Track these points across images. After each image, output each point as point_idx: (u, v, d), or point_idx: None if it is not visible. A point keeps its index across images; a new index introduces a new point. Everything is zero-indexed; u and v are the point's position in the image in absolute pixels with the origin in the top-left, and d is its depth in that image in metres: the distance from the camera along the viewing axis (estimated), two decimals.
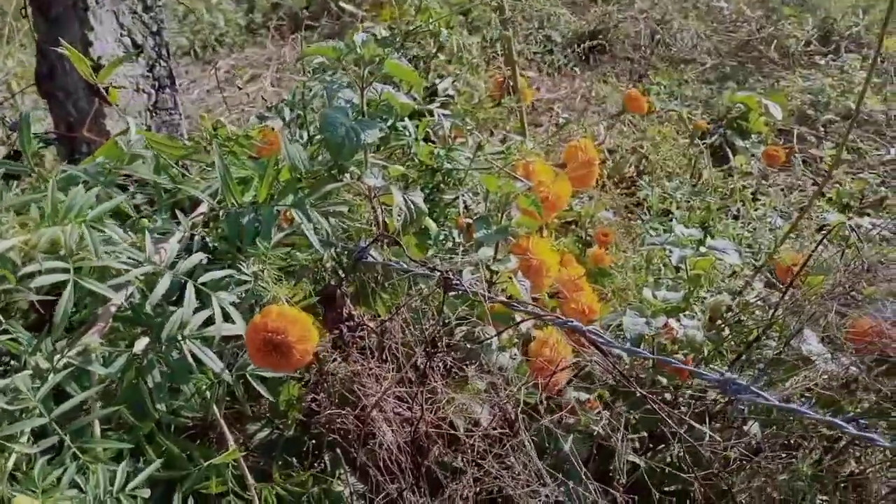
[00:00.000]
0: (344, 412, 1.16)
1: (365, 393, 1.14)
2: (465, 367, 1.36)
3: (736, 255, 1.65)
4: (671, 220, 2.28)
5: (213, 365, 0.97)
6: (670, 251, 1.66)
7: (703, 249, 1.67)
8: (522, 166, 1.75)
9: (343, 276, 1.21)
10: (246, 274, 1.06)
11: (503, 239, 1.39)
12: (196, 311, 0.98)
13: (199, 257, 1.01)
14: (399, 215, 1.21)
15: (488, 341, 1.41)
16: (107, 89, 1.40)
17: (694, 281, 1.77)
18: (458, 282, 1.11)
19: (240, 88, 4.10)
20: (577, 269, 1.99)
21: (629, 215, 2.40)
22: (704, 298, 1.73)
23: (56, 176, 1.00)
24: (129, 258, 0.95)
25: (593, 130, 4.05)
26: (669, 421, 1.06)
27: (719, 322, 1.55)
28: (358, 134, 1.16)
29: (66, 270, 0.84)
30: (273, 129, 1.69)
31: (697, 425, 1.10)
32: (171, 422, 1.06)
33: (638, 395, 1.05)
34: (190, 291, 0.96)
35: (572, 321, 1.03)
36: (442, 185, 1.71)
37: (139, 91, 1.58)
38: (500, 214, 1.42)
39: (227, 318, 0.97)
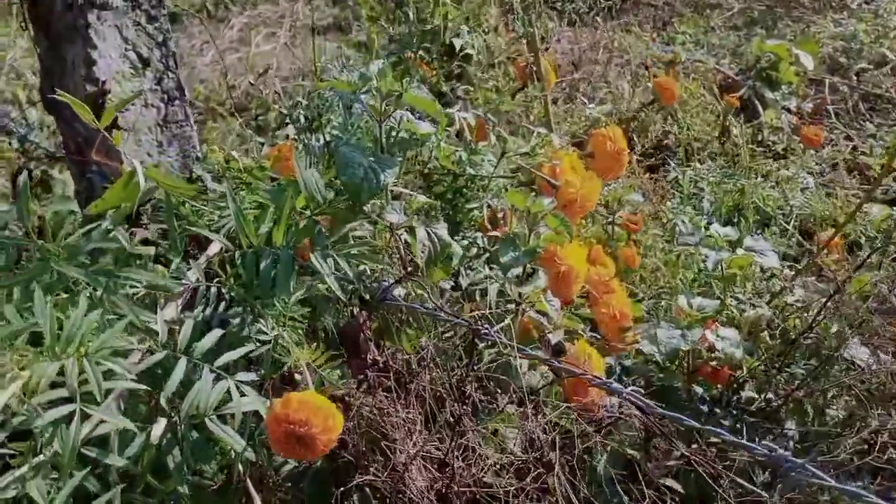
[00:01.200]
0: (372, 460, 1.11)
1: (393, 443, 1.09)
2: (495, 395, 1.31)
3: (774, 256, 1.55)
4: (701, 201, 2.17)
5: (235, 444, 0.91)
6: (705, 256, 1.56)
7: (739, 252, 1.57)
8: (549, 168, 1.65)
9: (366, 317, 1.14)
10: (265, 332, 0.99)
11: (531, 261, 1.31)
12: (216, 378, 0.92)
13: (214, 338, 0.95)
14: (423, 251, 1.13)
15: (517, 363, 1.34)
16: (114, 123, 1.32)
17: (729, 280, 1.68)
18: (486, 331, 1.04)
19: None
20: (607, 263, 1.90)
21: (659, 194, 2.29)
22: (741, 300, 1.64)
23: (60, 255, 0.93)
24: (141, 338, 0.89)
25: (618, 87, 3.89)
26: (713, 484, 0.99)
27: (759, 335, 1.47)
28: (378, 174, 1.07)
29: (70, 400, 0.78)
30: (288, 139, 1.60)
31: (744, 483, 1.03)
32: (196, 483, 1.01)
33: (679, 454, 0.98)
34: (206, 376, 0.90)
35: (611, 382, 0.96)
36: (464, 189, 1.61)
37: (148, 106, 1.49)
38: (527, 233, 1.34)
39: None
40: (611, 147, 1.78)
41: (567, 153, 1.79)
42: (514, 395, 1.34)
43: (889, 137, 3.75)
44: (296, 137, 1.56)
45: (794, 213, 2.65)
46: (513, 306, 1.47)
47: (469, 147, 1.57)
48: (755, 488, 1.00)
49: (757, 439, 1.39)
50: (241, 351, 0.94)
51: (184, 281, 1.10)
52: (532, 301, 1.36)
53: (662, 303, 2.12)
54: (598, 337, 1.70)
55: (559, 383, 1.48)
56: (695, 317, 1.48)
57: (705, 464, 0.98)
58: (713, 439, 0.96)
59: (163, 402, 0.87)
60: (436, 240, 1.15)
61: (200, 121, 4.17)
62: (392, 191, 1.19)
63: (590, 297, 1.74)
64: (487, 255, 1.54)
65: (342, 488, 1.17)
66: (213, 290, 1.10)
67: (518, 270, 1.30)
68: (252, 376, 0.94)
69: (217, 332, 0.96)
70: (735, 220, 2.15)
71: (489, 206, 1.59)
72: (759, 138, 4.01)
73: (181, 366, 0.89)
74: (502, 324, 1.08)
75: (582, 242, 1.93)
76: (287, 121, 1.58)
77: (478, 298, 1.46)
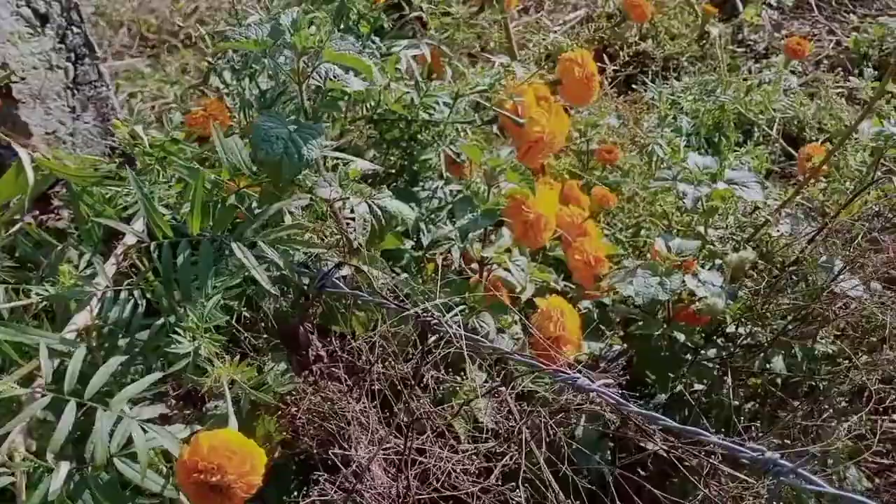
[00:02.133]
0: (327, 456, 1.00)
1: (347, 440, 0.97)
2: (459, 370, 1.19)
3: (758, 188, 1.40)
4: (679, 122, 2.00)
5: (151, 485, 0.79)
6: (683, 193, 1.41)
7: (720, 186, 1.42)
8: (512, 105, 1.48)
9: (305, 307, 1.00)
10: (180, 341, 0.85)
11: (492, 224, 1.17)
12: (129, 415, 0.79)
13: (104, 377, 0.80)
14: (364, 229, 0.98)
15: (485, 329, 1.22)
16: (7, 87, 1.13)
17: (710, 213, 1.53)
18: (437, 322, 0.90)
19: None
20: (582, 200, 1.75)
21: (635, 115, 2.12)
22: (722, 237, 1.51)
23: None
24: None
25: None
26: (693, 481, 0.89)
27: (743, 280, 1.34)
28: (300, 147, 0.90)
29: None
30: (217, 91, 1.42)
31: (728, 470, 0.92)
32: None
33: (654, 450, 0.87)
34: (102, 420, 0.76)
35: (577, 377, 0.83)
36: (419, 135, 1.44)
37: (53, 68, 1.29)
38: (486, 190, 1.18)
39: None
40: (580, 73, 1.60)
41: (532, 84, 1.61)
42: (483, 364, 1.23)
43: (873, 29, 3.53)
44: (226, 88, 1.38)
45: (777, 117, 2.48)
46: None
47: (420, 88, 1.39)
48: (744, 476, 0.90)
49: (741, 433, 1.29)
50: (142, 384, 0.80)
51: (97, 282, 0.95)
52: (497, 262, 1.23)
53: (642, 232, 1.99)
54: (572, 286, 1.57)
55: (531, 345, 1.37)
56: (673, 261, 1.35)
57: (684, 456, 0.87)
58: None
59: (49, 459, 0.74)
60: (379, 212, 1.00)
61: (154, 55, 3.90)
62: (326, 158, 1.03)
63: (563, 239, 1.60)
64: (450, 206, 1.39)
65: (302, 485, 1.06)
66: (123, 296, 0.96)
67: (478, 233, 1.16)
68: (160, 410, 0.81)
69: (112, 364, 0.81)
70: (716, 138, 1.99)
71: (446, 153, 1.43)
72: (740, 37, 3.77)
73: (69, 412, 0.75)
74: (455, 312, 0.94)
75: (552, 182, 1.77)
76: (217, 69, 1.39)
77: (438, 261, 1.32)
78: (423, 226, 1.42)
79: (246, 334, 1.05)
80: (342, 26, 1.31)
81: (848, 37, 3.57)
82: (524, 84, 1.56)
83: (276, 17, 0.93)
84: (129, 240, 1.01)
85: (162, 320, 0.94)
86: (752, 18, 3.71)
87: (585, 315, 1.53)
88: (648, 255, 1.89)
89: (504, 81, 1.54)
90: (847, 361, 1.41)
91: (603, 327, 1.56)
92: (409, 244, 1.40)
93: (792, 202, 1.46)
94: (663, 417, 0.75)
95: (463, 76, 1.56)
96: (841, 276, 1.30)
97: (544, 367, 0.85)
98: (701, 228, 1.55)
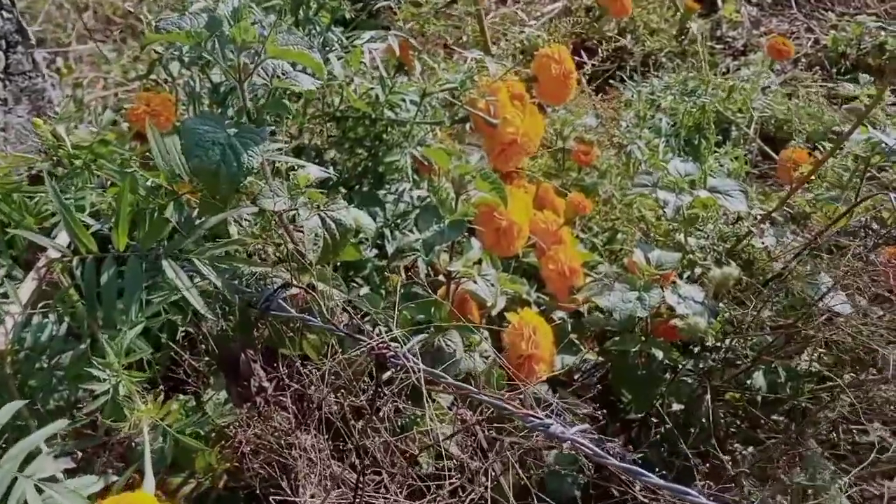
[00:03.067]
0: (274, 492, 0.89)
1: (295, 477, 0.86)
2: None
3: (741, 197, 1.31)
4: (659, 120, 1.89)
5: None
6: (664, 201, 1.31)
7: (702, 194, 1.32)
8: (485, 104, 1.36)
9: (248, 331, 0.88)
10: (97, 376, 0.73)
11: (459, 236, 1.05)
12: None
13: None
14: (315, 245, 0.86)
15: (451, 348, 1.11)
16: None
17: (690, 222, 1.44)
18: (394, 355, 0.79)
19: None
20: (558, 206, 1.64)
21: (613, 116, 2.01)
22: (703, 247, 1.41)
23: None
24: None
25: None
26: None
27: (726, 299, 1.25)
28: (239, 155, 0.78)
29: None
30: (167, 83, 1.28)
31: None
32: None
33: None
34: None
35: (550, 423, 0.72)
36: (384, 135, 1.32)
37: None
38: (454, 199, 1.07)
39: None
40: (556, 70, 1.49)
41: (507, 81, 1.50)
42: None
43: (851, 27, 3.46)
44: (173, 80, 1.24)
45: (755, 116, 2.40)
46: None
47: (386, 85, 1.27)
48: None
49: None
50: (41, 435, 0.68)
51: (8, 303, 0.83)
52: (465, 276, 1.12)
53: (619, 236, 1.89)
54: (546, 297, 1.47)
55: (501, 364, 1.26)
56: (652, 274, 1.25)
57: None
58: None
59: None
60: (333, 225, 0.88)
61: (122, 38, 3.72)
62: (276, 163, 0.91)
63: (536, 247, 1.49)
64: (418, 211, 1.27)
65: None
66: (53, 312, 0.83)
67: (444, 247, 1.05)
68: (63, 465, 0.69)
69: (8, 411, 0.69)
70: (696, 140, 1.89)
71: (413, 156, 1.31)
72: (718, 34, 3.69)
73: None
74: (416, 341, 0.83)
75: (526, 185, 1.67)
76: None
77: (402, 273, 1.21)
78: (387, 232, 1.31)
79: (185, 355, 0.94)
80: (300, 16, 1.18)
81: (826, 35, 3.50)
82: (498, 81, 1.45)
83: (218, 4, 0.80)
84: (53, 253, 0.88)
85: (85, 345, 0.82)
86: (732, 15, 3.63)
87: (559, 326, 1.43)
88: (625, 261, 1.79)
89: (477, 78, 1.42)
90: (830, 381, 1.33)
91: (577, 339, 1.47)
92: (372, 252, 1.29)
93: (779, 210, 1.37)
94: (646, 473, 0.64)
95: (433, 72, 1.44)
96: (829, 293, 1.21)
97: (514, 410, 0.74)
98: (681, 237, 1.45)
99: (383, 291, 1.22)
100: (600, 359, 1.44)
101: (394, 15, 1.53)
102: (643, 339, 1.34)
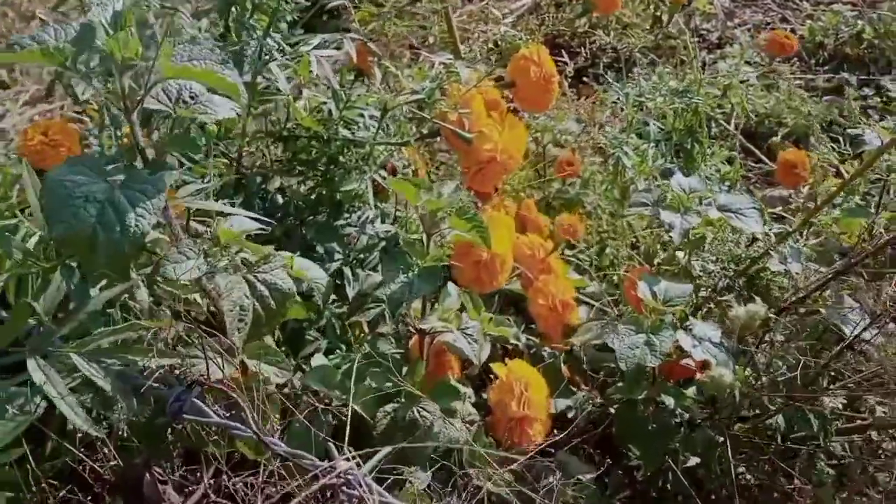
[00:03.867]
0: None
1: None
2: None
3: (756, 216, 1.10)
4: (647, 125, 1.68)
5: None
6: (669, 225, 1.10)
7: (712, 213, 1.12)
8: (458, 118, 1.14)
9: (156, 441, 0.65)
10: None
11: (433, 290, 0.83)
12: None
13: None
14: (240, 321, 0.63)
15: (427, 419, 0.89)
16: None
17: (696, 244, 1.23)
18: (346, 483, 0.57)
19: None
20: (542, 226, 1.42)
21: (598, 120, 1.80)
22: (711, 271, 1.21)
23: None
24: None
25: None
26: None
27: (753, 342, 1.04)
28: (123, 214, 0.55)
29: None
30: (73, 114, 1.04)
31: None
32: None
33: None
34: None
35: None
36: (340, 157, 1.09)
37: None
38: (425, 240, 0.84)
39: None
40: (537, 74, 1.27)
41: (481, 89, 1.28)
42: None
43: (827, 17, 3.31)
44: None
45: (737, 112, 2.21)
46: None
47: (339, 98, 1.04)
48: None
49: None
50: None
51: None
52: (441, 328, 0.90)
53: (608, 250, 1.68)
54: (535, 335, 1.25)
55: (488, 426, 1.04)
56: (661, 312, 1.04)
57: None
58: None
59: None
60: (266, 293, 0.65)
61: None
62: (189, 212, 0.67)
63: (523, 276, 1.28)
64: (381, 254, 1.04)
65: None
66: None
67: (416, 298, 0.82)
68: None
69: None
70: (689, 144, 1.69)
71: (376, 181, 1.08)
72: (692, 26, 3.52)
73: None
74: (377, 460, 0.61)
75: (507, 204, 1.44)
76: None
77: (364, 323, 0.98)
78: (348, 271, 1.08)
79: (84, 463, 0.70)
80: (230, 20, 0.94)
81: (802, 25, 3.34)
82: (471, 89, 1.22)
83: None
84: None
85: None
86: (705, 7, 3.45)
87: (551, 365, 1.22)
88: (616, 278, 1.59)
89: (447, 85, 1.20)
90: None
91: (574, 377, 1.25)
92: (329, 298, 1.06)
93: (798, 233, 1.16)
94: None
95: (397, 79, 1.22)
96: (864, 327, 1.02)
97: None
98: (685, 260, 1.25)
99: (344, 346, 0.99)
100: (601, 402, 1.23)
101: (352, 15, 1.29)
102: (651, 382, 1.13)
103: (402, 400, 0.88)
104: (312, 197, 1.10)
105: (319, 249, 1.07)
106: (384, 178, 1.10)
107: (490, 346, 1.07)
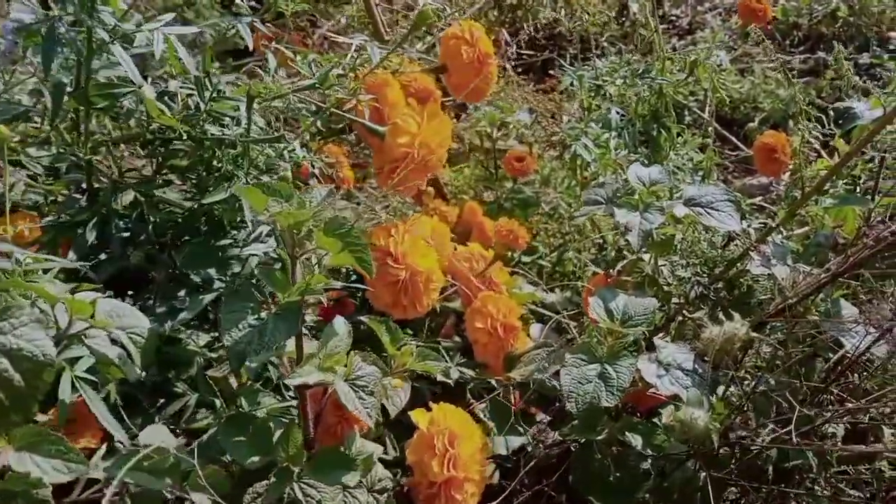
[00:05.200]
0: None
1: None
2: None
3: (732, 211, 0.87)
4: (608, 112, 1.45)
5: None
6: (626, 226, 0.87)
7: (678, 210, 0.89)
8: (373, 109, 0.92)
9: None
10: None
11: (293, 334, 0.59)
12: None
13: None
14: None
15: None
16: None
17: (662, 247, 0.99)
18: None
19: None
20: (488, 228, 1.19)
21: (552, 108, 1.57)
22: (682, 274, 0.98)
23: None
24: None
25: None
26: None
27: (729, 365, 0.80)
28: None
29: None
30: None
31: None
32: None
33: None
34: None
35: None
36: (214, 161, 0.86)
37: None
38: (289, 266, 0.60)
39: None
40: (469, 54, 1.05)
41: (404, 74, 1.05)
42: None
43: None
44: None
45: (711, 98, 1.98)
46: None
47: (204, 89, 0.80)
48: None
49: None
50: None
51: None
52: (319, 381, 0.66)
53: (568, 254, 1.45)
54: (473, 367, 1.01)
55: (410, 490, 0.81)
56: (619, 336, 0.81)
57: None
58: None
59: None
60: (7, 364, 0.42)
61: None
62: None
63: (460, 293, 1.04)
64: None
65: None
66: None
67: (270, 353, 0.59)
68: None
69: None
70: (654, 130, 1.46)
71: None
72: (661, 13, 3.31)
73: None
74: None
75: (445, 207, 1.21)
76: None
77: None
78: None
79: None
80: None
81: (774, 6, 3.13)
82: (385, 73, 0.99)
83: None
84: None
85: None
86: None
87: (497, 399, 0.98)
88: (580, 285, 1.36)
89: (361, 71, 0.97)
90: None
91: (529, 407, 1.02)
92: (202, 340, 0.82)
93: (781, 229, 0.93)
94: None
95: (293, 64, 0.98)
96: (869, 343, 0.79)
97: None
98: (647, 264, 1.01)
99: (217, 401, 0.75)
100: (558, 438, 1.00)
101: None
102: (613, 417, 0.90)
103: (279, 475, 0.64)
104: (185, 213, 0.86)
105: (195, 278, 0.83)
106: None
107: (410, 388, 0.84)
